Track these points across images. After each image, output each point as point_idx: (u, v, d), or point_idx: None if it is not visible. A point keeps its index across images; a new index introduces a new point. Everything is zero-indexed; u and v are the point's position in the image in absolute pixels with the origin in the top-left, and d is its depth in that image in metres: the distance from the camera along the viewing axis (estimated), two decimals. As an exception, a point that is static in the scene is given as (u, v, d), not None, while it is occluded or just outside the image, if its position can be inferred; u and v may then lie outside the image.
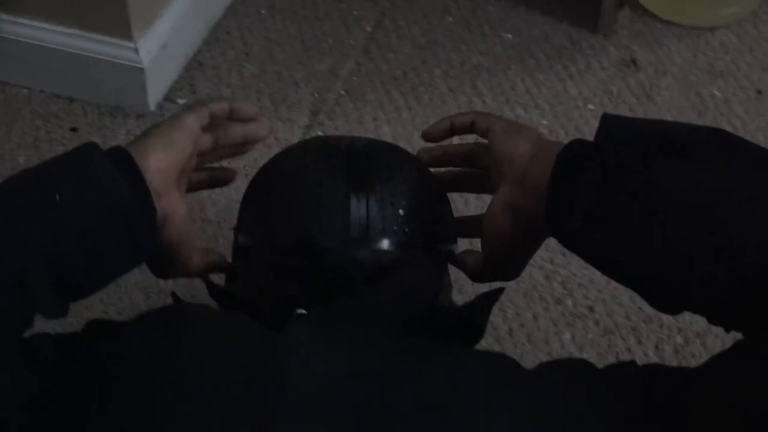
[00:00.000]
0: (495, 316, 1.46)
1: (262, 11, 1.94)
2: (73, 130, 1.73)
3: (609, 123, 0.91)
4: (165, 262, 0.99)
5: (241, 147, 1.10)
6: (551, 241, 1.50)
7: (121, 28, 1.68)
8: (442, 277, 1.03)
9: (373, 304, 0.91)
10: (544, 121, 1.73)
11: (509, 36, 1.89)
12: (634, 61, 1.83)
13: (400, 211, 0.99)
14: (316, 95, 1.79)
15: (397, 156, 1.07)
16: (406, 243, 0.99)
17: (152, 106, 1.75)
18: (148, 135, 0.97)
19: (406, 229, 0.99)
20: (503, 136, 0.97)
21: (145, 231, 0.92)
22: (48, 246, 0.85)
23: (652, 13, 1.92)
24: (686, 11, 1.90)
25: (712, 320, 0.81)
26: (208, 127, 1.04)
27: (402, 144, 1.66)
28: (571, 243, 0.90)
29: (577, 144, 0.89)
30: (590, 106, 1.75)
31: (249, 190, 1.09)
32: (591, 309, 1.47)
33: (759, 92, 1.78)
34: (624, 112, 1.74)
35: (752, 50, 1.86)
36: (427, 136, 1.11)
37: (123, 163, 0.92)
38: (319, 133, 1.71)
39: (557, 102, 1.76)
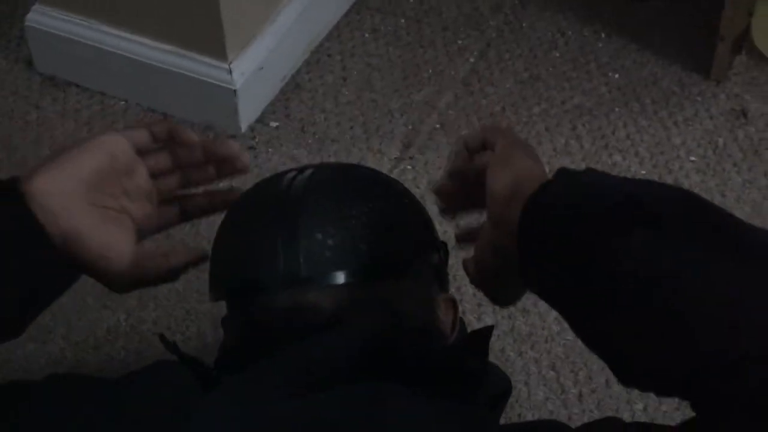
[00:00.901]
0: (566, 378, 1.40)
1: (366, 34, 1.91)
2: (164, 147, 1.73)
3: (576, 175, 0.86)
4: (103, 277, 0.97)
5: (224, 169, 1.04)
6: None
7: (216, 48, 1.67)
8: (414, 297, 0.98)
9: (314, 354, 0.88)
10: (643, 171, 1.66)
11: (616, 76, 1.83)
12: (744, 113, 1.75)
13: (337, 245, 0.94)
14: (410, 126, 1.75)
15: (344, 183, 1.01)
16: (358, 273, 0.94)
17: (243, 128, 1.74)
18: (44, 158, 0.95)
19: (346, 263, 0.94)
20: (493, 166, 0.91)
21: (34, 255, 0.90)
22: None
23: (771, 60, 1.83)
24: (806, 61, 1.81)
25: (660, 395, 0.79)
26: (159, 150, 1.00)
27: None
28: (543, 297, 0.87)
29: (544, 196, 0.84)
30: (692, 158, 1.68)
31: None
32: (668, 378, 1.40)
33: None
34: (728, 166, 1.66)
35: None
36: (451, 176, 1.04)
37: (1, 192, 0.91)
38: (408, 168, 1.68)
39: (658, 151, 1.69)
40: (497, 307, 1.41)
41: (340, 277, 0.94)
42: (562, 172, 0.86)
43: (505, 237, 0.87)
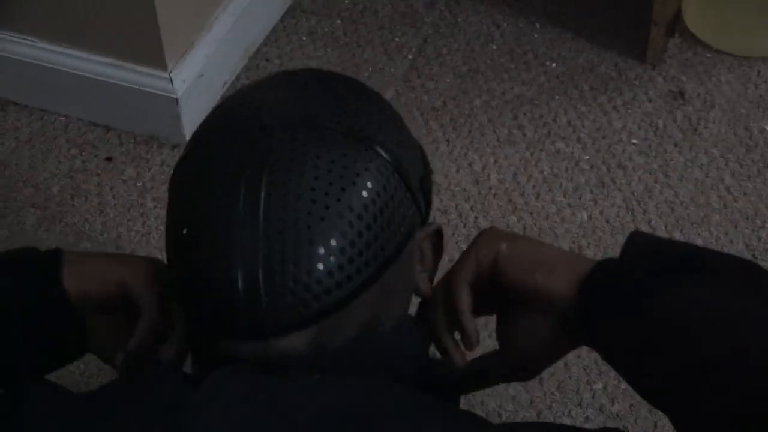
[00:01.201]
0: (525, 362, 1.42)
1: (303, 37, 1.92)
2: (108, 159, 1.72)
3: (638, 240, 0.90)
4: None
5: None
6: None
7: (155, 57, 1.67)
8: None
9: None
10: (586, 156, 1.68)
11: (554, 65, 1.85)
12: (681, 93, 1.78)
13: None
14: (354, 126, 1.75)
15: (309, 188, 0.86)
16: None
17: (187, 136, 1.73)
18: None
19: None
20: (530, 273, 0.93)
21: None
22: None
23: (703, 42, 1.86)
24: (738, 40, 1.84)
25: None
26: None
27: (438, 179, 1.64)
28: (606, 355, 0.93)
29: (608, 268, 0.89)
30: (634, 141, 1.70)
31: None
32: (625, 357, 1.42)
33: (811, 127, 1.72)
34: (669, 146, 1.69)
35: (806, 82, 1.80)
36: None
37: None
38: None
39: (600, 136, 1.72)
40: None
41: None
42: (631, 239, 0.90)
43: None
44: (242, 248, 0.83)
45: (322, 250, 0.83)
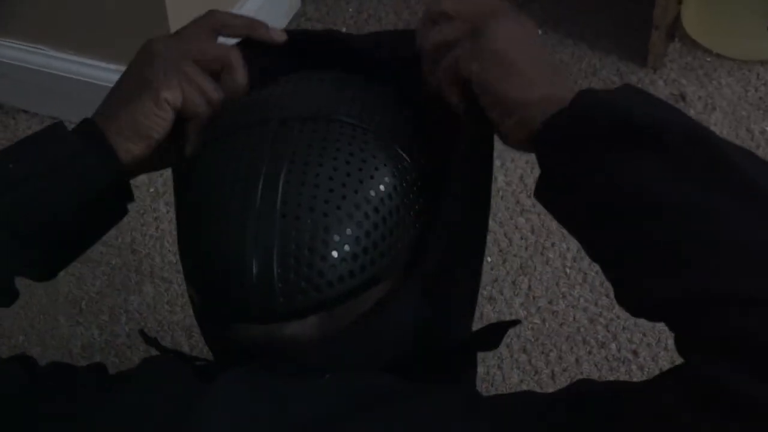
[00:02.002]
0: (537, 359, 1.44)
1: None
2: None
3: (587, 100, 0.83)
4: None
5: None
6: (596, 282, 1.49)
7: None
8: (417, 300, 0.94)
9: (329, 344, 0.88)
10: (591, 158, 1.71)
11: (557, 70, 1.88)
12: (683, 96, 1.81)
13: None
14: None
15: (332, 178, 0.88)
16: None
17: (198, 142, 1.75)
18: (121, 116, 0.97)
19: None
20: (496, 83, 0.87)
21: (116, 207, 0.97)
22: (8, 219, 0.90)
23: (703, 46, 1.89)
24: (737, 44, 1.88)
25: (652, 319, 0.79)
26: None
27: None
28: (551, 208, 0.88)
29: (557, 125, 0.83)
30: (638, 143, 1.73)
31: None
32: (635, 353, 1.45)
33: (811, 128, 1.75)
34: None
35: (804, 84, 1.83)
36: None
37: (94, 145, 0.95)
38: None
39: (604, 138, 1.74)
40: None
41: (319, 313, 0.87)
42: (582, 95, 0.84)
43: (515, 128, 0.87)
44: (257, 234, 0.84)
45: (337, 238, 0.84)
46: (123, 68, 1.70)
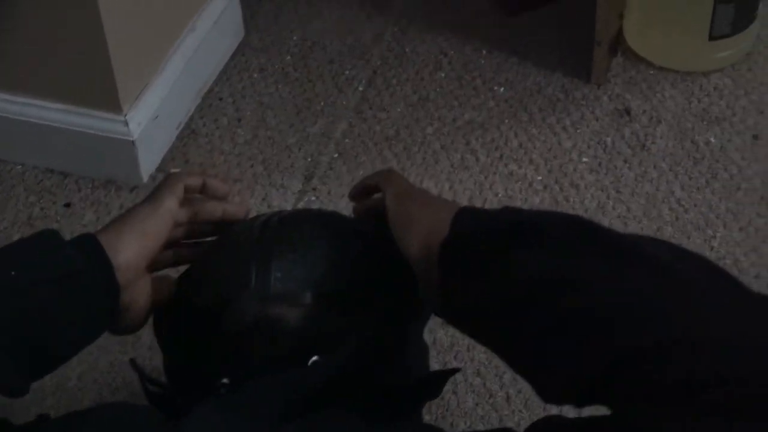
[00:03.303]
0: (492, 382, 1.44)
1: (255, 75, 1.94)
2: (67, 205, 1.73)
3: (465, 218, 0.92)
4: (119, 331, 1.04)
5: (220, 225, 1.11)
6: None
7: (110, 101, 1.68)
8: (386, 340, 1.02)
9: (288, 381, 0.94)
10: (539, 177, 1.72)
11: (502, 89, 1.88)
12: (627, 110, 1.82)
13: (310, 269, 1.00)
14: (309, 159, 1.78)
15: (315, 220, 1.09)
16: (320, 297, 0.99)
17: (145, 178, 1.75)
18: (123, 224, 1.00)
19: (317, 285, 0.99)
20: (397, 230, 0.98)
21: (105, 325, 0.99)
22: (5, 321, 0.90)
23: (646, 59, 1.90)
24: (679, 56, 1.89)
25: (581, 405, 0.82)
26: (184, 201, 1.06)
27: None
28: (466, 328, 0.94)
29: (452, 244, 0.91)
30: (585, 159, 1.74)
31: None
32: (589, 371, 1.45)
33: (755, 137, 1.76)
34: (619, 163, 1.73)
35: (747, 94, 1.84)
36: (352, 198, 1.16)
37: (93, 259, 0.96)
38: (313, 199, 1.71)
39: (551, 156, 1.75)
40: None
41: (308, 298, 0.98)
42: (459, 216, 0.93)
43: (430, 287, 0.93)
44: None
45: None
46: (67, 107, 1.71)
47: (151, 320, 1.06)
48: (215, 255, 1.07)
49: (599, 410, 0.77)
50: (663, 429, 0.70)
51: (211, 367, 0.99)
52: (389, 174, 1.08)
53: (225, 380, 0.98)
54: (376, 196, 1.10)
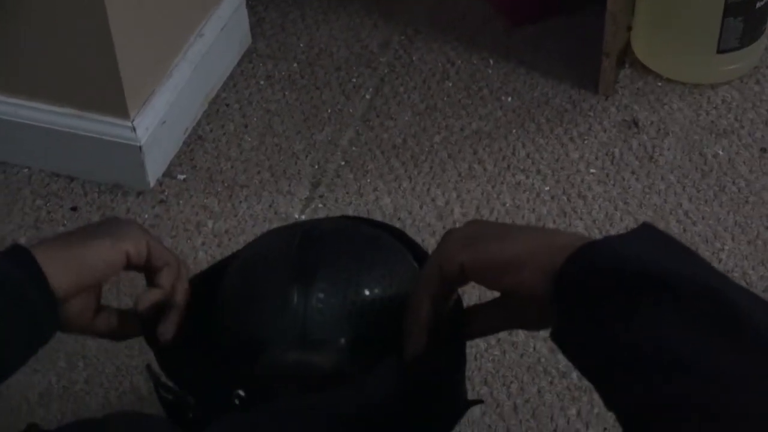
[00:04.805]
0: (499, 391, 1.44)
1: (261, 81, 1.94)
2: (74, 209, 1.73)
3: (606, 244, 0.85)
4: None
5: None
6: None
7: (117, 106, 1.68)
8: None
9: (307, 407, 0.91)
10: (546, 187, 1.72)
11: (509, 99, 1.88)
12: (635, 122, 1.82)
13: (351, 304, 0.98)
14: (316, 166, 1.78)
15: (357, 245, 1.05)
16: (360, 340, 0.97)
17: (152, 183, 1.74)
18: (67, 245, 0.98)
19: (360, 322, 0.97)
20: (500, 281, 0.91)
21: (47, 324, 0.97)
22: None
23: (653, 71, 1.90)
24: (687, 68, 1.89)
25: None
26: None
27: (402, 215, 1.66)
28: (575, 362, 0.88)
29: (573, 266, 0.84)
30: (592, 170, 1.74)
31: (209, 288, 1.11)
32: (596, 382, 1.44)
33: (763, 150, 1.76)
34: (626, 174, 1.73)
35: (755, 107, 1.84)
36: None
37: (24, 263, 0.94)
38: (320, 206, 1.71)
39: (559, 167, 1.75)
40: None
41: (344, 342, 0.97)
42: (585, 248, 0.85)
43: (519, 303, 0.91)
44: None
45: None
46: (74, 112, 1.71)
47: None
48: (250, 280, 1.04)
49: None
50: None
51: (230, 382, 0.99)
52: (442, 244, 0.97)
53: (240, 392, 0.97)
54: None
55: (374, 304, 0.99)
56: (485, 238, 0.91)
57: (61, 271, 0.94)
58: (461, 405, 1.09)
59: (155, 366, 1.04)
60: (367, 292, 0.99)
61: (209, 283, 1.10)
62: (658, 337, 0.77)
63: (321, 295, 0.97)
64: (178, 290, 1.03)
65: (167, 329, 1.02)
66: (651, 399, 0.76)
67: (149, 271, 1.04)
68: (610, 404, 0.82)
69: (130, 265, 1.01)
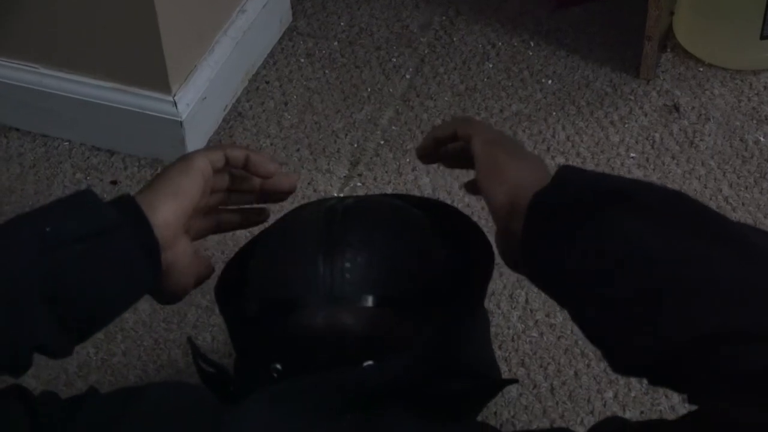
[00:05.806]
0: (536, 373, 1.44)
1: (302, 59, 1.94)
2: (114, 183, 1.74)
3: (568, 173, 0.91)
4: (164, 297, 1.04)
5: (271, 196, 1.12)
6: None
7: (159, 81, 1.68)
8: (444, 338, 1.02)
9: (342, 381, 0.93)
10: (586, 170, 1.71)
11: (549, 82, 1.88)
12: (676, 107, 1.81)
13: (377, 270, 1.01)
14: (356, 145, 1.78)
15: (382, 214, 1.09)
16: (386, 300, 1.00)
17: (191, 159, 1.75)
18: (157, 183, 1.00)
19: (384, 287, 1.00)
20: (484, 180, 0.97)
21: (148, 284, 0.98)
22: (45, 282, 0.89)
23: (695, 56, 1.89)
24: (729, 54, 1.88)
25: (654, 382, 0.81)
26: (224, 170, 1.06)
27: (441, 195, 1.66)
28: (546, 286, 0.93)
29: (543, 200, 0.89)
30: (632, 155, 1.73)
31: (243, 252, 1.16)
32: (634, 365, 1.44)
33: (805, 137, 1.75)
34: (666, 159, 1.72)
35: (797, 94, 1.83)
36: (420, 157, 1.16)
37: (131, 216, 0.95)
38: (358, 185, 1.71)
39: (599, 150, 1.74)
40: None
41: (374, 302, 0.99)
42: (562, 170, 0.91)
43: (511, 241, 0.93)
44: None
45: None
46: (116, 86, 1.72)
47: (191, 297, 1.07)
48: (280, 245, 1.08)
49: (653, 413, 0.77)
50: (738, 423, 0.69)
51: (268, 354, 1.00)
52: (473, 120, 1.07)
53: (278, 365, 0.98)
54: (452, 145, 1.09)
55: (397, 268, 1.03)
56: (498, 142, 1.01)
57: (161, 202, 0.96)
58: (487, 372, 1.12)
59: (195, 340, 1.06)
60: (390, 257, 1.03)
61: (245, 256, 1.13)
62: (627, 237, 0.82)
63: (348, 257, 1.00)
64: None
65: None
66: (622, 297, 0.80)
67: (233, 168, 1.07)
68: (581, 319, 0.87)
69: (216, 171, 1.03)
